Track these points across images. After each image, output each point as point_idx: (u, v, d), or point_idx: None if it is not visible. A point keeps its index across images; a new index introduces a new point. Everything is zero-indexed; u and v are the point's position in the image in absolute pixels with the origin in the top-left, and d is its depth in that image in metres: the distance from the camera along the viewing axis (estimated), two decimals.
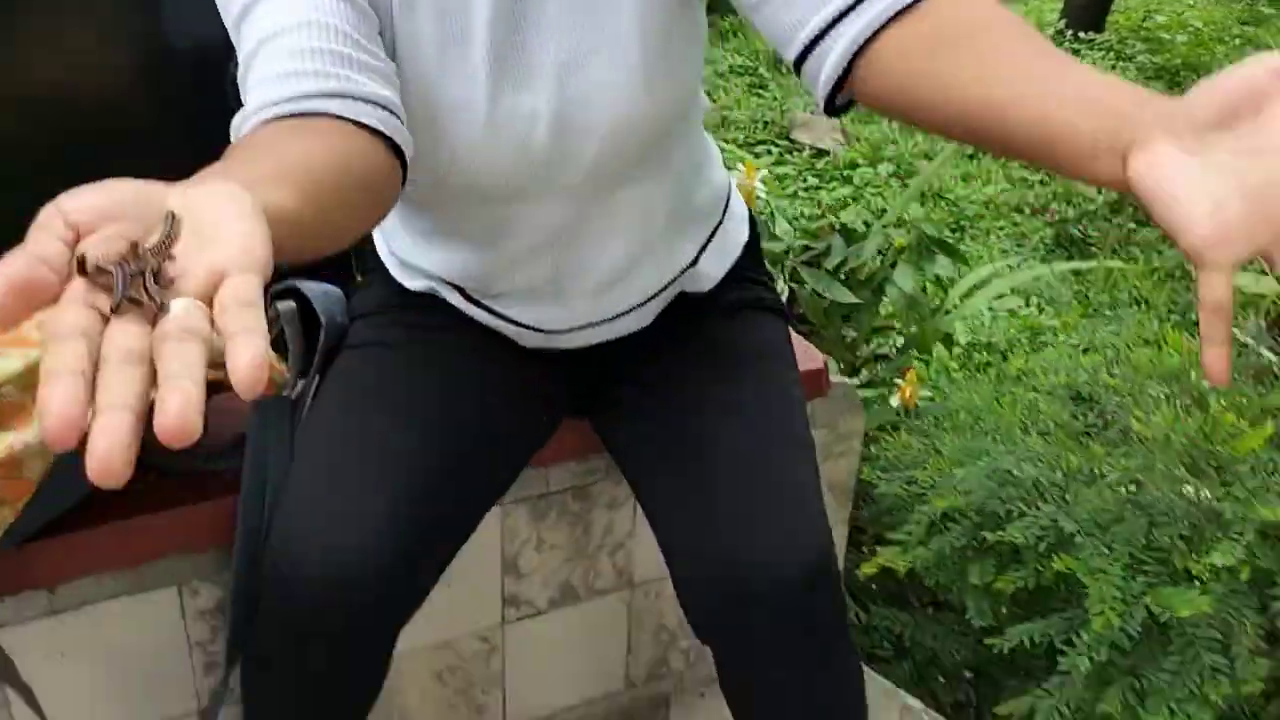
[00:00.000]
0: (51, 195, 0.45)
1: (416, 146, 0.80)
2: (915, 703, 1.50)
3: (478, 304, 1.06)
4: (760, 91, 5.06)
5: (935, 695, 1.56)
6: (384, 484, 0.93)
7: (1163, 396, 1.52)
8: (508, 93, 0.88)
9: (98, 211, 0.44)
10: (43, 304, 0.41)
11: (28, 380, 0.93)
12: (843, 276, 1.75)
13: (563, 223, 0.97)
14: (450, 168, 0.90)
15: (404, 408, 1.01)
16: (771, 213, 1.94)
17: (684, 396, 1.05)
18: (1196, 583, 1.20)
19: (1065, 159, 0.60)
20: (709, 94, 4.78)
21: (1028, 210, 3.90)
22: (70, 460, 0.97)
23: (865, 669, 1.06)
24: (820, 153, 4.22)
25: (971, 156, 4.33)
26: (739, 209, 1.18)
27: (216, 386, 0.57)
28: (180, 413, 0.38)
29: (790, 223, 1.99)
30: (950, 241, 1.81)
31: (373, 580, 0.90)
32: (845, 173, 4.07)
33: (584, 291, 1.03)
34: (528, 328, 1.06)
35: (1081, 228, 3.72)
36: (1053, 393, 1.62)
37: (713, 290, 1.13)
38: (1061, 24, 6.43)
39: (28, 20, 1.16)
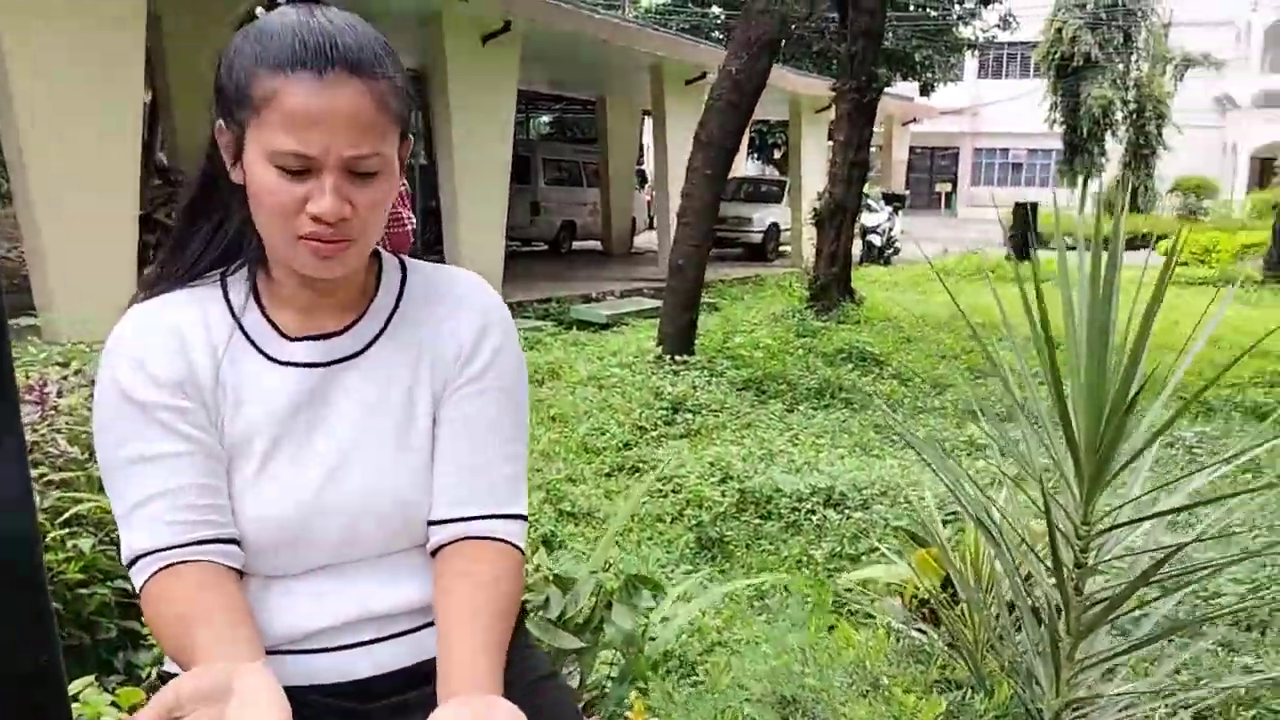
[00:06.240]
0: None
1: None
2: None
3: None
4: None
5: None
6: None
7: (849, 684, 1.80)
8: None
9: (199, 695, 0.65)
10: None
11: None
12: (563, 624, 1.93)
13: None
14: None
15: None
16: None
17: None
18: None
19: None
20: None
21: (667, 519, 4.36)
22: None
23: None
24: None
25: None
26: None
27: None
28: None
29: None
30: (653, 577, 2.05)
31: None
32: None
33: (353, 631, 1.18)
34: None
35: (717, 529, 4.19)
36: (762, 700, 1.85)
37: None
38: (659, 349, 7.37)
39: None
